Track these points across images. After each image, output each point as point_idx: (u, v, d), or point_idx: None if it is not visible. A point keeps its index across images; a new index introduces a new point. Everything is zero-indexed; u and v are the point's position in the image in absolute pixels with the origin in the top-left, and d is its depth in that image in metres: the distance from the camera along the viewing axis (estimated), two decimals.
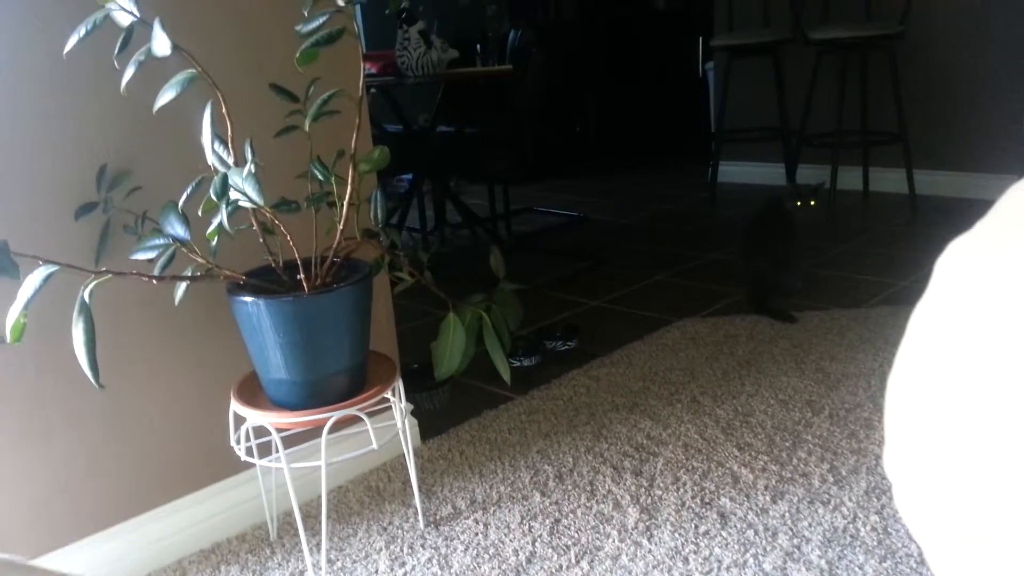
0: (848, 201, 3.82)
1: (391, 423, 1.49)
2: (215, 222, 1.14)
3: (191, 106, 1.24)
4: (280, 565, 1.49)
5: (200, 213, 1.16)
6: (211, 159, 1.18)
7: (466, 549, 1.49)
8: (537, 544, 1.48)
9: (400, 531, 1.56)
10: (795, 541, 1.43)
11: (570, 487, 1.66)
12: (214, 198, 1.12)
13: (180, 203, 1.22)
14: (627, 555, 1.43)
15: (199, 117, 1.18)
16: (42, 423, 1.36)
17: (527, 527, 1.54)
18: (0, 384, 1.32)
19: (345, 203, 1.34)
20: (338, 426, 1.38)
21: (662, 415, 1.93)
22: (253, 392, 1.41)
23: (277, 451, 1.37)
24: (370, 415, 1.39)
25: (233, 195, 1.13)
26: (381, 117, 3.61)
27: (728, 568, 1.38)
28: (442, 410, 2.05)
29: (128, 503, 1.48)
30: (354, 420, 1.38)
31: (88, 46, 1.13)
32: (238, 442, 1.42)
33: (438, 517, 1.60)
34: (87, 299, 1.09)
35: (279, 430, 1.36)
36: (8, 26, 1.25)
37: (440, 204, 3.79)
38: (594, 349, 2.34)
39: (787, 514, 1.51)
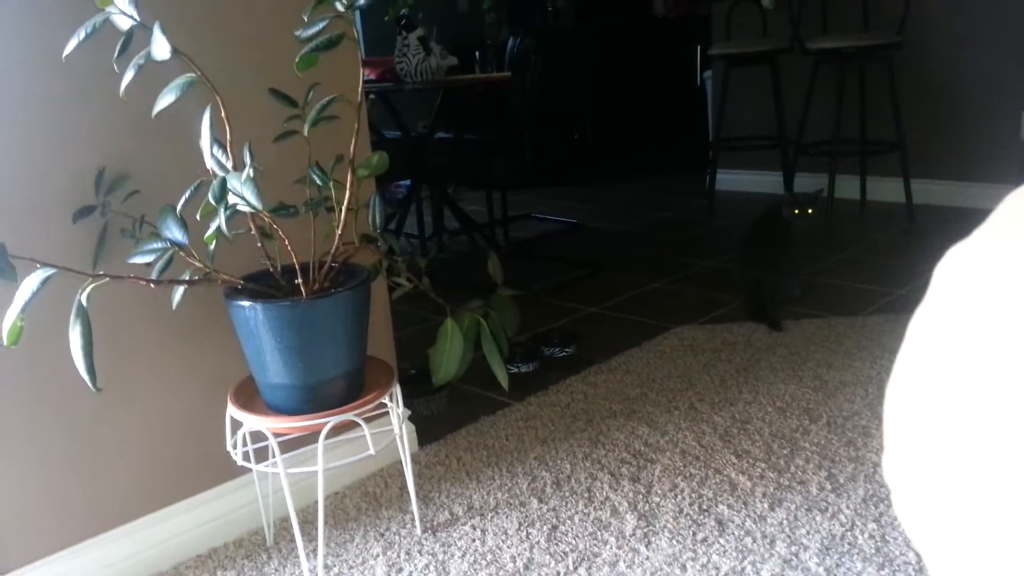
0: (846, 210, 3.83)
1: (388, 428, 1.48)
2: (213, 226, 1.14)
3: (190, 110, 1.24)
4: (277, 571, 1.48)
5: (199, 217, 1.16)
6: (210, 163, 1.18)
7: (463, 555, 1.49)
8: (535, 551, 1.48)
9: (397, 537, 1.55)
10: (793, 548, 1.43)
11: (568, 493, 1.65)
12: (212, 202, 1.12)
13: (178, 207, 1.22)
14: (625, 562, 1.43)
15: (198, 121, 1.18)
16: (38, 426, 1.36)
17: (524, 533, 1.53)
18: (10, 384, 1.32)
19: (344, 208, 1.34)
20: (335, 431, 1.37)
21: (660, 422, 1.92)
22: (250, 396, 1.41)
23: (274, 456, 1.37)
24: (367, 420, 1.39)
25: (232, 199, 1.13)
26: (380, 123, 3.62)
27: (726, 575, 1.37)
28: (440, 416, 2.04)
29: (124, 507, 1.47)
30: (351, 425, 1.38)
31: (87, 49, 1.13)
32: (235, 447, 1.42)
33: (435, 523, 1.59)
34: (84, 303, 1.09)
35: (276, 435, 1.36)
36: (4, 28, 1.25)
37: (438, 210, 3.79)
38: (592, 355, 2.34)
39: (785, 521, 1.51)
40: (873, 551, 1.40)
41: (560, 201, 4.69)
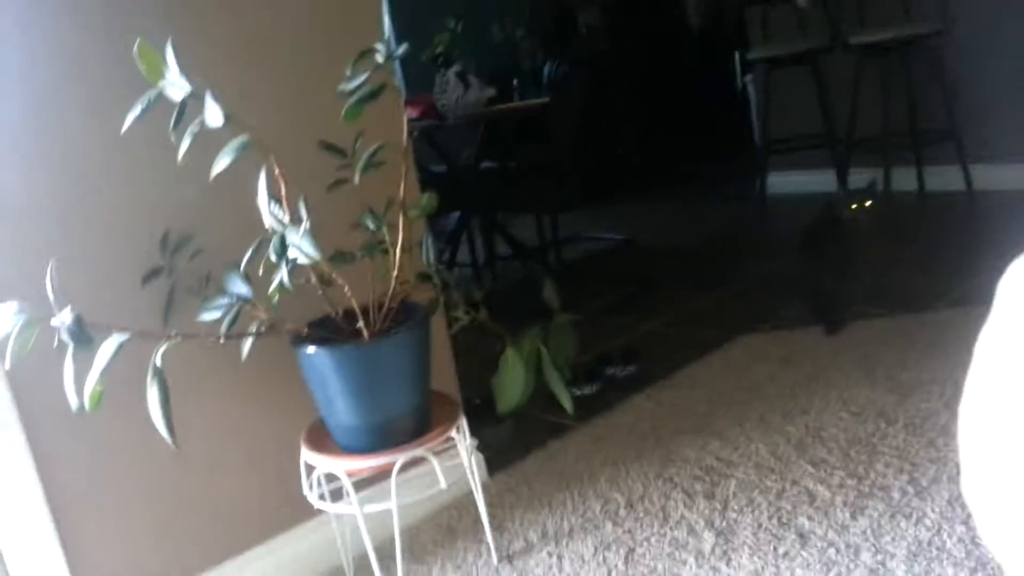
0: (905, 202, 3.74)
1: (458, 461, 1.50)
2: (276, 280, 1.18)
3: (245, 168, 1.29)
4: None
5: (260, 273, 1.20)
6: (268, 220, 1.22)
7: None
8: (613, 574, 1.47)
9: (474, 568, 1.56)
10: (879, 557, 1.39)
11: (642, 514, 1.64)
12: (273, 258, 1.16)
13: (242, 264, 1.26)
14: None
15: (254, 179, 1.22)
16: (124, 481, 1.41)
17: (601, 557, 1.53)
18: (82, 451, 1.38)
19: (398, 249, 1.37)
20: (406, 467, 1.40)
21: (731, 436, 1.90)
22: (322, 438, 1.44)
23: (348, 495, 1.39)
24: (437, 454, 1.40)
25: (291, 253, 1.17)
26: (425, 159, 3.68)
27: None
28: (507, 444, 2.05)
29: (210, 552, 1.52)
30: (422, 460, 1.40)
31: (143, 123, 1.19)
32: (311, 488, 1.45)
33: (511, 551, 1.60)
34: (159, 363, 1.14)
35: (349, 475, 1.39)
36: (67, 112, 1.32)
37: (489, 239, 3.83)
38: (654, 372, 2.32)
39: (868, 530, 1.47)
40: (963, 555, 1.35)
41: (609, 219, 4.69)
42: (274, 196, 1.23)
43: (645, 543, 1.55)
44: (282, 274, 1.16)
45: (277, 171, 1.24)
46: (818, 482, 1.65)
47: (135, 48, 1.12)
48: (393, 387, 1.37)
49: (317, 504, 1.45)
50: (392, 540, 1.61)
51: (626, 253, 3.90)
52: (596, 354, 2.47)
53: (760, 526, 1.53)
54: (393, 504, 1.35)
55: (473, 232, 3.89)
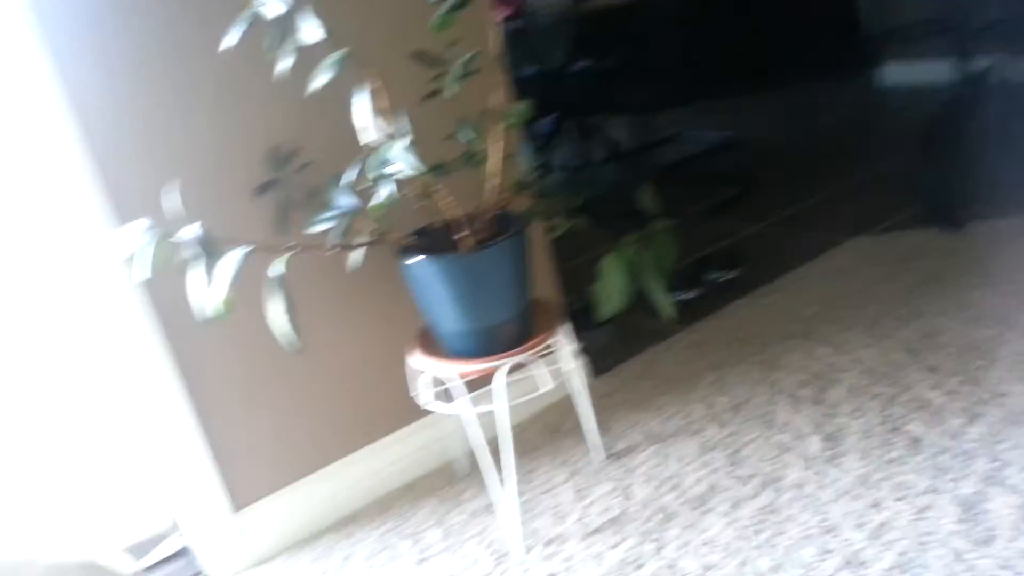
0: None
1: (560, 365, 1.53)
2: (380, 192, 1.20)
3: (345, 82, 1.30)
4: (471, 499, 1.59)
5: (370, 177, 1.22)
6: (369, 134, 1.24)
7: (647, 481, 1.52)
8: (718, 475, 1.49)
9: (580, 465, 1.61)
10: (994, 465, 1.35)
11: (746, 418, 1.64)
12: (377, 171, 1.18)
13: (347, 178, 1.29)
14: (813, 484, 1.41)
15: (353, 93, 1.23)
16: (255, 379, 1.53)
17: (706, 459, 1.55)
18: (218, 355, 1.48)
19: (495, 159, 1.37)
20: (511, 370, 1.44)
21: (839, 341, 1.85)
22: (429, 344, 1.50)
23: (457, 398, 1.45)
24: (540, 358, 1.44)
25: (394, 166, 1.18)
26: (516, 60, 3.61)
27: (922, 494, 1.32)
28: (609, 349, 2.07)
29: (332, 448, 1.64)
30: (526, 364, 1.43)
31: (251, 41, 1.21)
32: (421, 391, 1.52)
33: (616, 451, 1.64)
34: (279, 272, 1.19)
35: (459, 378, 1.44)
36: (183, 37, 1.36)
37: (585, 142, 3.76)
38: (759, 277, 2.27)
39: (984, 437, 1.42)
40: None
41: (711, 117, 4.51)
42: (375, 110, 1.24)
43: (750, 446, 1.55)
44: (385, 186, 1.18)
45: (377, 84, 1.24)
46: (932, 388, 1.60)
47: None
48: (495, 295, 1.39)
49: (428, 406, 1.51)
50: (496, 440, 1.68)
51: (729, 152, 3.76)
52: (698, 258, 2.44)
53: (870, 431, 1.51)
54: (503, 404, 1.40)
55: (569, 135, 3.83)
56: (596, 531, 1.44)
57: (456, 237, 1.39)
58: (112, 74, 1.33)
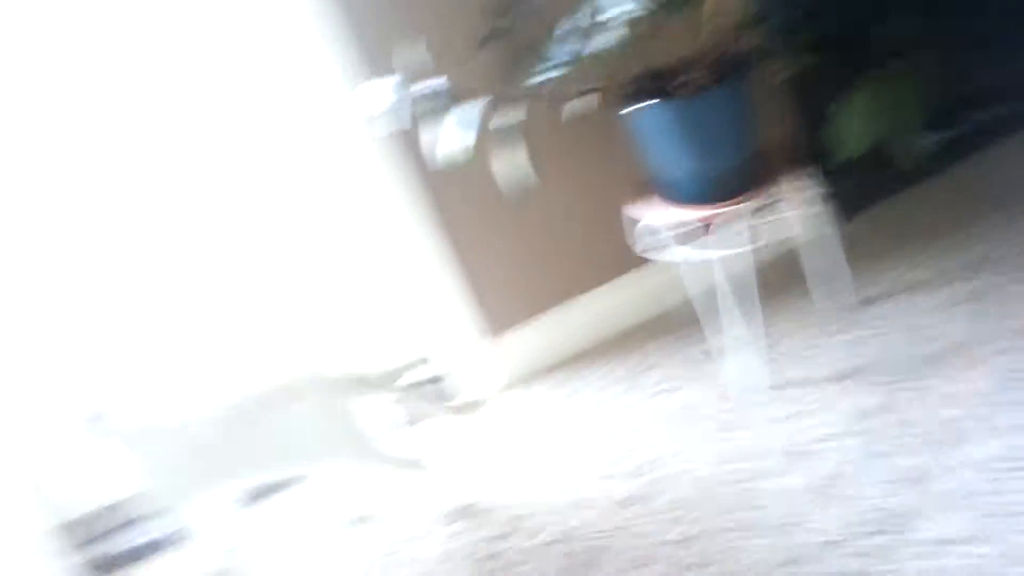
0: None
1: (793, 212, 1.50)
2: (602, 38, 1.23)
3: None
4: (698, 343, 1.65)
5: (590, 25, 1.24)
6: None
7: (903, 327, 1.49)
8: (976, 322, 1.42)
9: (831, 309, 1.60)
10: None
11: (1001, 270, 1.52)
12: (601, 15, 1.20)
13: (569, 25, 1.32)
14: None
15: None
16: (496, 216, 1.68)
17: (959, 310, 1.47)
18: (466, 192, 1.62)
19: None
20: (744, 216, 1.43)
21: None
22: (651, 192, 1.53)
23: (686, 244, 1.49)
24: (774, 204, 1.42)
25: (618, 9, 1.19)
26: None
27: None
28: (852, 194, 1.96)
29: (560, 290, 1.78)
30: (757, 209, 1.42)
31: None
32: (642, 238, 1.57)
33: (867, 296, 1.60)
34: (519, 119, 1.27)
35: (693, 223, 1.46)
36: None
37: None
38: None
39: None
40: None
41: None
42: None
43: (1005, 298, 1.45)
44: (607, 31, 1.20)
45: None
46: None
47: None
48: (719, 140, 1.38)
49: (647, 254, 1.56)
50: (715, 290, 1.69)
51: None
52: (958, 96, 2.19)
53: None
54: (734, 250, 1.41)
55: None
56: (843, 376, 1.44)
57: (676, 82, 1.39)
58: None
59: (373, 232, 1.72)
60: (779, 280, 1.74)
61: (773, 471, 1.31)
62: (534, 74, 1.33)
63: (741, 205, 1.39)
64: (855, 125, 1.45)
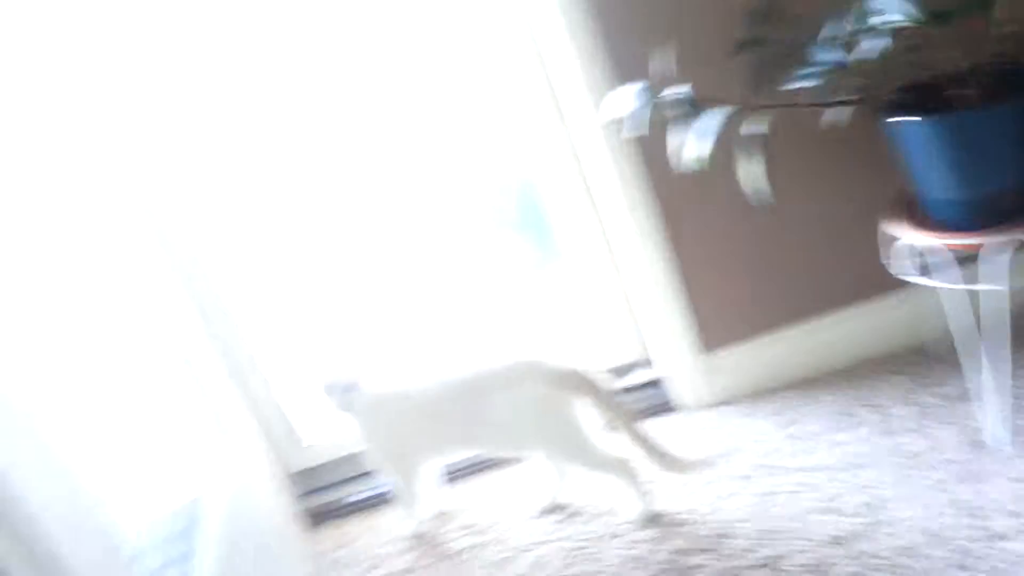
0: None
1: None
2: (867, 46, 1.15)
3: None
4: (946, 383, 1.51)
5: (855, 31, 1.17)
6: None
7: None
8: None
9: None
10: None
11: None
12: (866, 21, 1.13)
13: (831, 31, 1.25)
14: None
15: None
16: (728, 233, 1.63)
17: None
18: (698, 204, 1.60)
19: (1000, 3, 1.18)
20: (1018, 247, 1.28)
21: None
22: (911, 211, 1.40)
23: (939, 272, 1.35)
24: None
25: (885, 16, 1.11)
26: None
27: None
28: None
29: (796, 310, 1.68)
30: None
31: None
32: (897, 260, 1.44)
33: None
34: (760, 130, 1.23)
35: (943, 250, 1.33)
36: None
37: None
38: None
39: None
40: None
41: None
42: None
43: None
44: (873, 39, 1.12)
45: None
46: None
47: None
48: (997, 159, 1.24)
49: (905, 277, 1.44)
50: (991, 324, 1.51)
51: None
52: None
53: None
54: (1000, 284, 1.26)
55: None
56: None
57: (950, 93, 1.26)
58: None
59: (602, 232, 1.73)
60: None
61: (1006, 534, 1.18)
62: (790, 81, 1.27)
63: (1011, 234, 1.23)
64: None
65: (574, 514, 1.56)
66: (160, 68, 1.66)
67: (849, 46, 1.20)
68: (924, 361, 1.58)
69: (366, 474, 1.67)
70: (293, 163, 1.82)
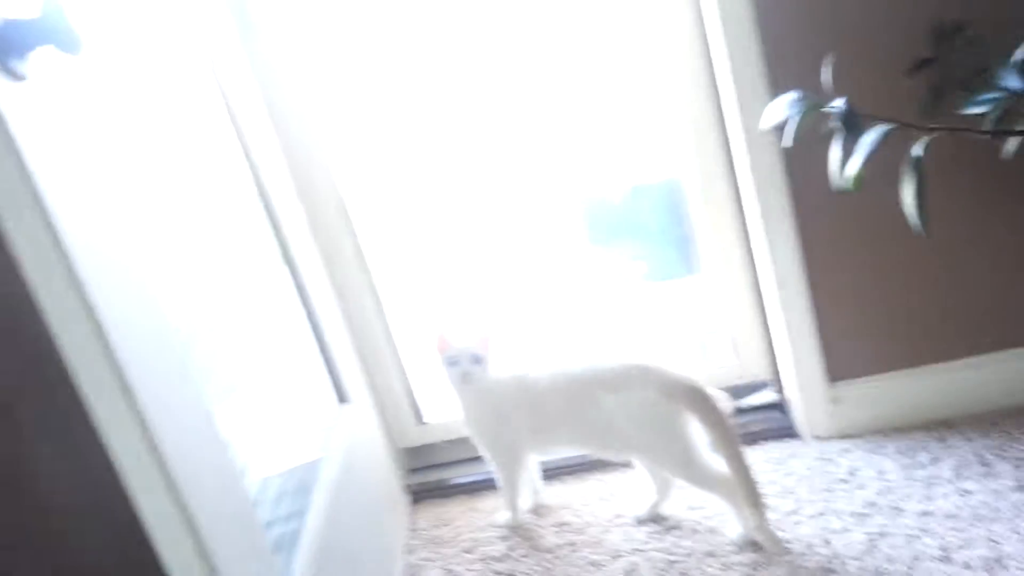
0: None
1: None
2: None
3: None
4: None
5: None
6: None
7: None
8: None
9: None
10: None
11: None
12: None
13: (1020, 55, 1.17)
14: None
15: None
16: (866, 262, 1.55)
17: None
18: (841, 227, 1.54)
19: None
20: None
21: None
22: None
23: None
24: None
25: None
26: None
27: None
28: None
29: (938, 348, 1.58)
30: None
31: None
32: None
33: None
34: (919, 155, 1.16)
35: None
36: None
37: None
38: None
39: None
40: None
41: None
42: None
43: None
44: None
45: None
46: None
47: None
48: None
49: None
50: None
51: None
52: None
53: None
54: None
55: None
56: None
57: None
58: None
59: (743, 245, 1.69)
60: None
61: None
62: (969, 105, 1.19)
63: None
64: None
65: (673, 527, 1.52)
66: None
67: None
68: None
69: (476, 458, 1.69)
70: (441, 150, 1.87)
